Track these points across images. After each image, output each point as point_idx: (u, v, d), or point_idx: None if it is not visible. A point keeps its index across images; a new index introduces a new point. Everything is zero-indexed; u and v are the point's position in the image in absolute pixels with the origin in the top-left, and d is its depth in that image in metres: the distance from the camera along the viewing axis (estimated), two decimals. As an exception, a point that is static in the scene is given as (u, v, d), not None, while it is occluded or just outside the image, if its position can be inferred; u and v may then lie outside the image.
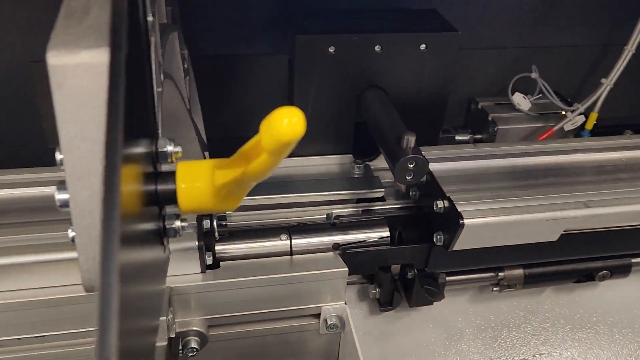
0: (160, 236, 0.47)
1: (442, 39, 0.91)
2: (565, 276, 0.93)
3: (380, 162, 0.96)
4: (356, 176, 0.96)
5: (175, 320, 0.72)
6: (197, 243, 0.69)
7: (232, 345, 0.79)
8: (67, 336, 0.68)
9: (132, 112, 0.37)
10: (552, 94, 1.05)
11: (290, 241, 0.80)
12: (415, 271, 0.84)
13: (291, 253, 0.80)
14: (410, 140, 0.74)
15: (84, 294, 0.41)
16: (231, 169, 0.43)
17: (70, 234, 0.40)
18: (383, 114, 0.86)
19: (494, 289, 0.91)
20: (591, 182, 0.85)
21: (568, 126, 1.06)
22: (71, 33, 0.35)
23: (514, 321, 0.95)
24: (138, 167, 0.39)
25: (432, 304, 0.87)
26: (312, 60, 0.88)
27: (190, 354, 0.73)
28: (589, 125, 1.06)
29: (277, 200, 0.88)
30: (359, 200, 0.92)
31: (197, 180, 0.45)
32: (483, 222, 0.75)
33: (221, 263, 0.77)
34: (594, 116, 1.05)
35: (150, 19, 0.49)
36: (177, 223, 0.48)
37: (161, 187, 0.45)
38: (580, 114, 1.05)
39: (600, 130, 1.06)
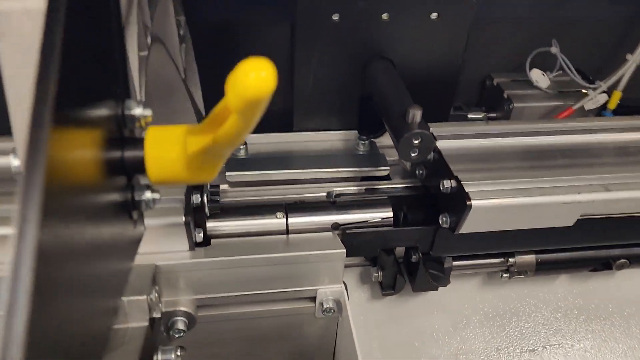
0: (128, 209, 0.43)
1: (456, 7, 0.84)
2: (580, 264, 0.88)
3: (387, 140, 0.91)
4: (360, 153, 0.91)
5: (162, 299, 0.69)
6: (183, 218, 0.65)
7: (222, 327, 0.75)
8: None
9: (80, 66, 0.32)
10: (573, 70, 0.99)
11: (287, 219, 0.76)
12: (420, 254, 0.80)
13: (287, 232, 0.76)
14: (416, 114, 0.69)
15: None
16: (203, 135, 0.38)
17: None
18: (389, 87, 0.80)
19: (504, 275, 0.87)
20: (612, 165, 0.79)
21: (589, 105, 0.99)
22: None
23: (523, 310, 0.91)
24: (93, 129, 0.34)
25: (437, 290, 0.83)
26: (314, 27, 0.82)
27: (177, 335, 0.70)
28: (612, 105, 1.00)
29: (274, 176, 0.83)
30: (362, 179, 0.88)
31: (167, 147, 0.40)
32: (492, 204, 0.70)
33: (212, 241, 0.73)
34: (617, 95, 0.99)
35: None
36: (148, 194, 0.43)
37: (128, 154, 0.40)
38: (603, 92, 0.99)
39: (624, 111, 0.99)
